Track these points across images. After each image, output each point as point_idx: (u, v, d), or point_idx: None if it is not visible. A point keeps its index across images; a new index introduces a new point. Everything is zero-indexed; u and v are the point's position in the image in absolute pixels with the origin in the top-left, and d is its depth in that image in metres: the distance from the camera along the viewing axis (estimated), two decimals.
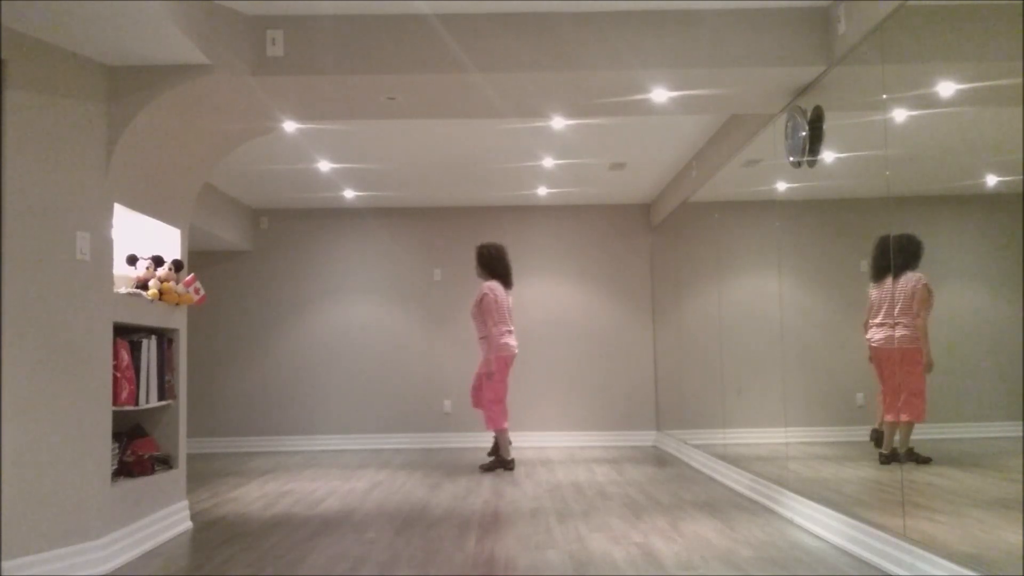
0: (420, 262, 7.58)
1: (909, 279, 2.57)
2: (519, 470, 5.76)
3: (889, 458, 2.67)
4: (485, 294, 5.58)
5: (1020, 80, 2.21)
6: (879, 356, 2.70)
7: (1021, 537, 2.27)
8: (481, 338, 5.68)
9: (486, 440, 7.38)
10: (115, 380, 3.32)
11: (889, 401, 2.70)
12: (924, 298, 2.51)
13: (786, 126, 3.88)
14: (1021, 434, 2.31)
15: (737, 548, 3.30)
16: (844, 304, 3.43)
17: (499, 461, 5.73)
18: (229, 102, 3.72)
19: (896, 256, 2.58)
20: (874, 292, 2.66)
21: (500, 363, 5.61)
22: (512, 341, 5.67)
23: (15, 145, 2.93)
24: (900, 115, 2.87)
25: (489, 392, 5.61)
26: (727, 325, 5.04)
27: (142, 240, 3.89)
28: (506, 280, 5.75)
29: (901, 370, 2.59)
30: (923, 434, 2.81)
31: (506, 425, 5.64)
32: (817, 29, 3.54)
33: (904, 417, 2.60)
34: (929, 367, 2.39)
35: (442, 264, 7.58)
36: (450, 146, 5.56)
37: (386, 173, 6.31)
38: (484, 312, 5.58)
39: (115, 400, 3.32)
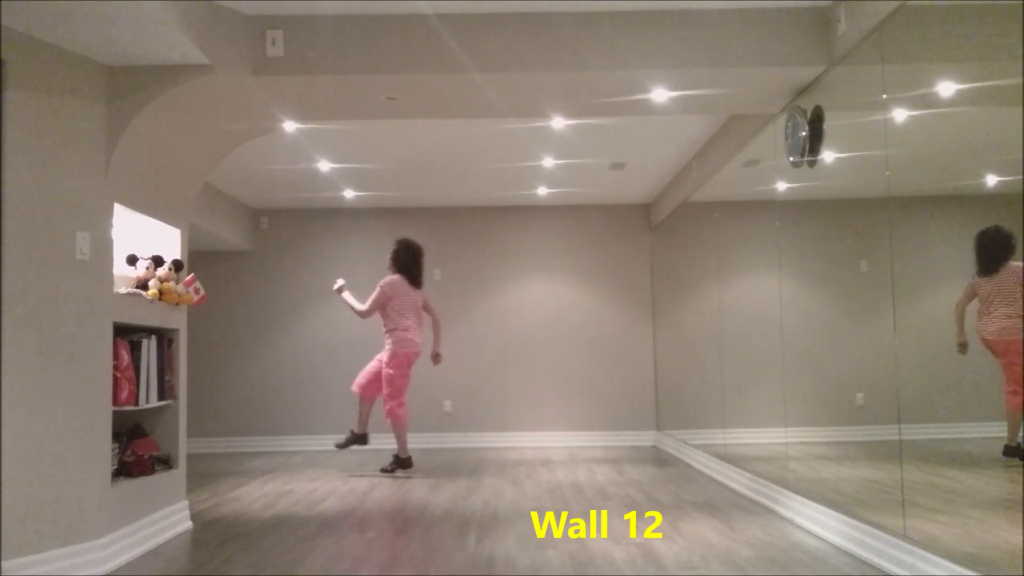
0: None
1: (1013, 269, 2.53)
2: (519, 470, 5.76)
3: (1014, 451, 2.64)
4: (380, 287, 5.50)
5: (1020, 80, 2.21)
6: (998, 348, 2.64)
7: (1021, 537, 2.27)
8: (387, 331, 5.56)
9: (486, 440, 7.38)
10: (115, 380, 3.32)
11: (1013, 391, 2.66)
12: None
13: (786, 126, 3.88)
14: (1021, 434, 2.32)
15: (737, 548, 3.30)
16: (844, 304, 3.43)
17: (398, 461, 5.62)
18: (229, 102, 3.72)
19: (995, 248, 2.55)
20: (984, 285, 2.62)
21: (401, 358, 5.51)
22: (416, 338, 5.56)
23: (15, 145, 2.93)
24: (900, 115, 2.87)
25: (386, 387, 5.51)
26: (727, 325, 5.04)
27: (142, 240, 3.89)
28: (414, 279, 5.63)
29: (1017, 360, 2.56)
30: (925, 434, 2.81)
31: (405, 421, 5.55)
32: (817, 29, 3.54)
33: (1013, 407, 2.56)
34: None
35: (442, 264, 7.58)
36: (450, 146, 5.56)
37: (386, 173, 6.31)
38: (371, 303, 5.49)
39: (115, 400, 3.32)
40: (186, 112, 3.64)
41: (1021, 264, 2.45)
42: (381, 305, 5.53)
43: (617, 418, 7.45)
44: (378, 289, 5.53)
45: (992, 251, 2.56)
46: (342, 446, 5.71)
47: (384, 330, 5.61)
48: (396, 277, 5.59)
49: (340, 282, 5.62)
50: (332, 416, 7.44)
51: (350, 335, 7.51)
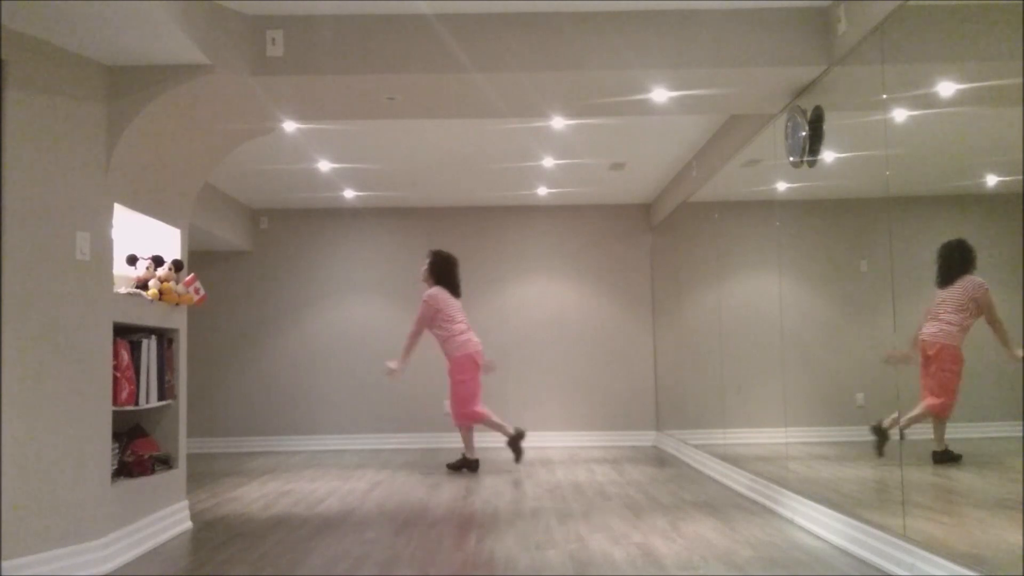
0: (420, 262, 7.57)
1: (970, 281, 2.57)
2: (519, 470, 5.76)
3: (943, 456, 2.67)
4: (424, 301, 5.55)
5: (1020, 80, 2.21)
6: (929, 349, 2.68)
7: (1021, 537, 2.27)
8: (443, 341, 5.60)
9: (487, 440, 7.37)
10: (115, 380, 3.32)
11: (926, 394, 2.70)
12: (985, 299, 2.52)
13: (786, 126, 3.88)
14: (1021, 434, 2.31)
15: (737, 548, 3.30)
16: (844, 304, 3.43)
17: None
18: (229, 102, 3.72)
19: (957, 260, 2.59)
20: (939, 294, 2.67)
21: (466, 361, 5.53)
22: (474, 337, 5.62)
23: (15, 145, 2.93)
24: (900, 115, 2.87)
25: (463, 392, 5.53)
26: (727, 325, 5.04)
27: (142, 240, 3.89)
28: (454, 290, 5.70)
29: (936, 365, 2.59)
30: (925, 434, 2.81)
31: (475, 422, 5.58)
32: (817, 29, 3.54)
33: (923, 409, 2.59)
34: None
35: None
36: (450, 146, 5.56)
37: (386, 173, 6.31)
38: (418, 319, 5.54)
39: (115, 400, 3.32)
40: (186, 112, 3.64)
41: (977, 278, 2.47)
42: (430, 319, 5.54)
43: (617, 418, 7.45)
44: (422, 305, 5.55)
45: (949, 264, 2.59)
46: (454, 467, 5.69)
47: (440, 344, 5.63)
48: (436, 288, 5.62)
49: (390, 366, 5.61)
50: (332, 416, 7.44)
51: (350, 335, 7.51)
